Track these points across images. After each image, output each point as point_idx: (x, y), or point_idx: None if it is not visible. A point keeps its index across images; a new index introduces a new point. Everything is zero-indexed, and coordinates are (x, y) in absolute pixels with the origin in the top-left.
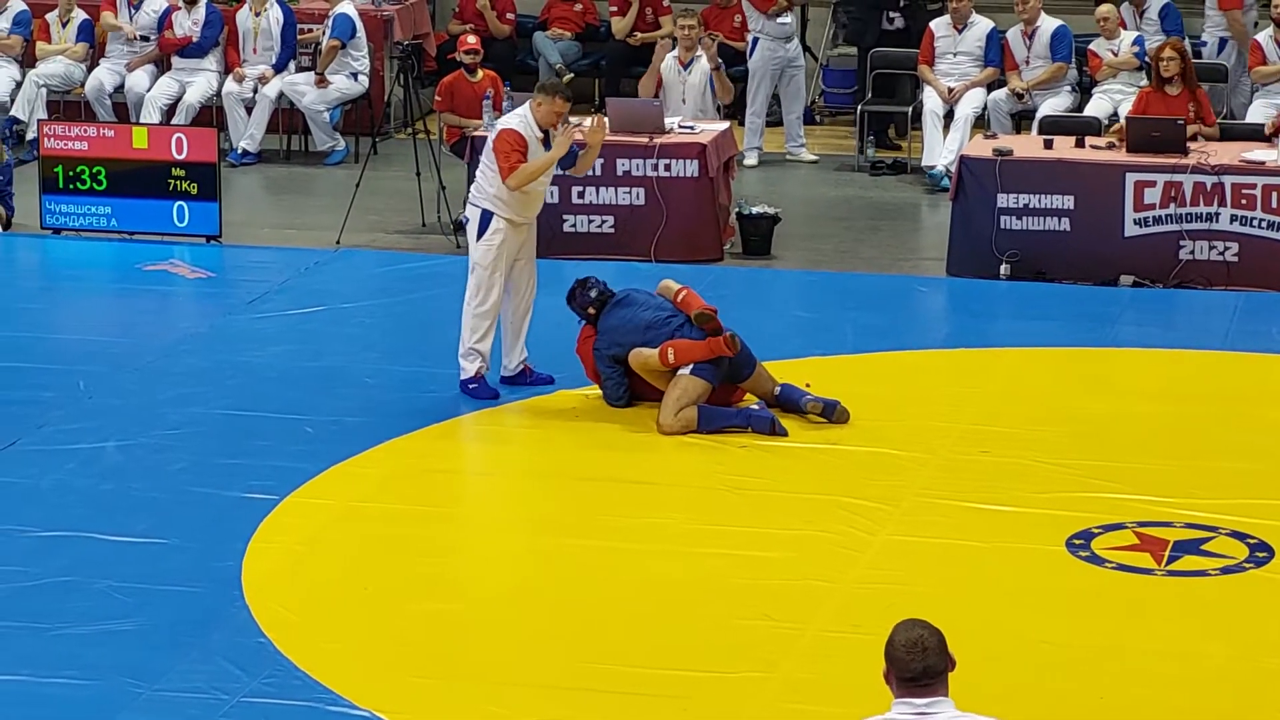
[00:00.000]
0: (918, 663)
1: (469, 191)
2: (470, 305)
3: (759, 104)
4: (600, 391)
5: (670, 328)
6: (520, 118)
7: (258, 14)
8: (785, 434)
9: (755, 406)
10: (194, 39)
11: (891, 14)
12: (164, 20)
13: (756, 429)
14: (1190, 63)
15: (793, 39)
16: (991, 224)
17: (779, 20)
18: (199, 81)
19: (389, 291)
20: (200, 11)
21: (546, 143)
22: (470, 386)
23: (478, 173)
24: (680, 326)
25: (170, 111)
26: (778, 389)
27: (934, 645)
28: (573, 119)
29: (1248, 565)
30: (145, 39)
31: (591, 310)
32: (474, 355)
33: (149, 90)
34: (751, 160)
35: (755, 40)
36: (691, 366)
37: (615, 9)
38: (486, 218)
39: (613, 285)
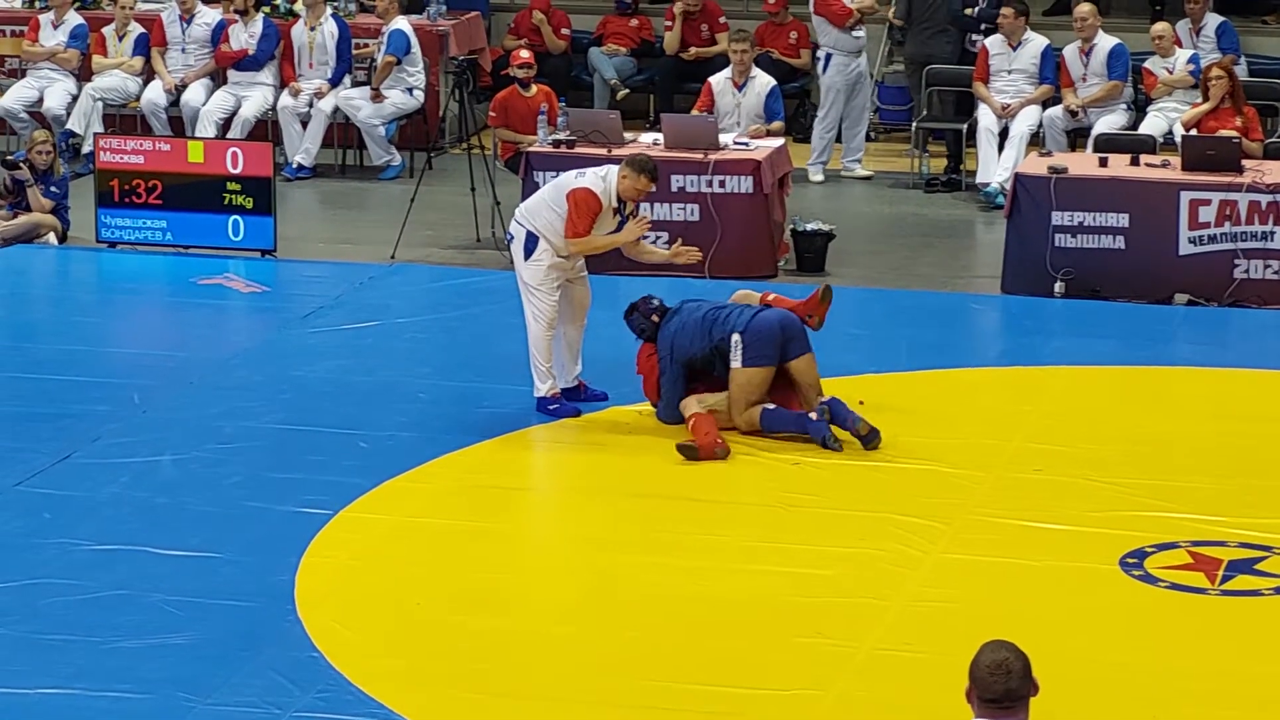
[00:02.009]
0: (1000, 684)
1: (518, 209)
2: (533, 325)
3: (830, 119)
4: (654, 409)
5: (727, 320)
6: (603, 182)
7: (313, 28)
8: (839, 449)
9: (813, 416)
10: (250, 52)
11: (974, 36)
12: (219, 34)
13: (813, 436)
14: (1238, 82)
15: (862, 52)
16: (1046, 242)
17: (853, 34)
18: (255, 95)
19: (443, 306)
20: (257, 25)
21: (619, 212)
22: (550, 407)
23: (537, 196)
24: (734, 317)
25: (226, 125)
26: (824, 401)
27: (1018, 669)
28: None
29: None
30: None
31: (648, 327)
32: (546, 375)
33: (204, 104)
34: (818, 176)
35: (829, 56)
36: (743, 359)
37: (670, 24)
38: (533, 240)
39: (667, 302)
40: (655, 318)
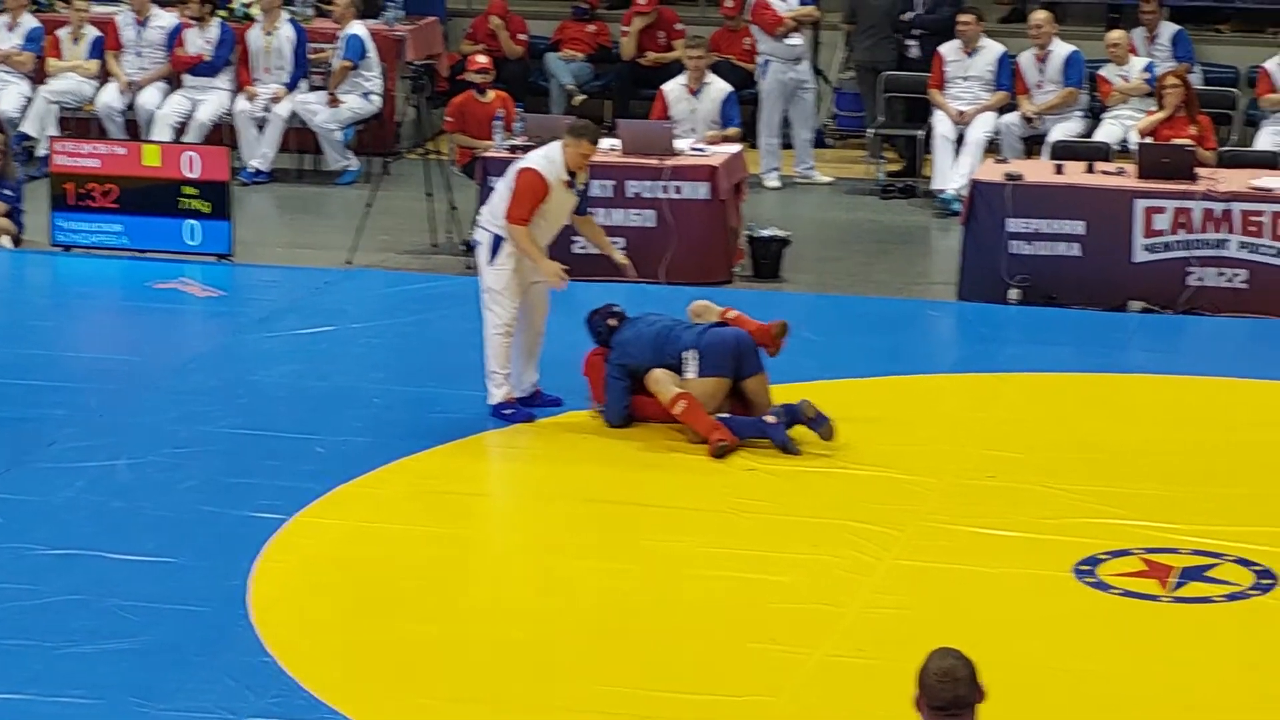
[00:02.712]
0: (948, 691)
1: (479, 213)
2: (490, 329)
3: (773, 126)
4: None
5: (679, 339)
6: (547, 159)
7: (269, 33)
8: (798, 453)
9: (770, 420)
10: (206, 58)
11: (908, 41)
12: (174, 37)
13: (774, 440)
14: (1193, 90)
15: (802, 60)
16: (1002, 248)
17: (786, 42)
18: (210, 100)
19: (399, 312)
20: (213, 30)
21: (572, 184)
22: (505, 413)
23: (495, 197)
24: (687, 335)
25: (181, 129)
26: (774, 410)
27: (965, 676)
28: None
29: (1253, 592)
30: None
31: (604, 330)
32: (500, 380)
33: (160, 108)
34: (774, 182)
35: (766, 62)
36: (699, 370)
37: (627, 30)
38: (498, 242)
39: (623, 307)
40: (612, 322)
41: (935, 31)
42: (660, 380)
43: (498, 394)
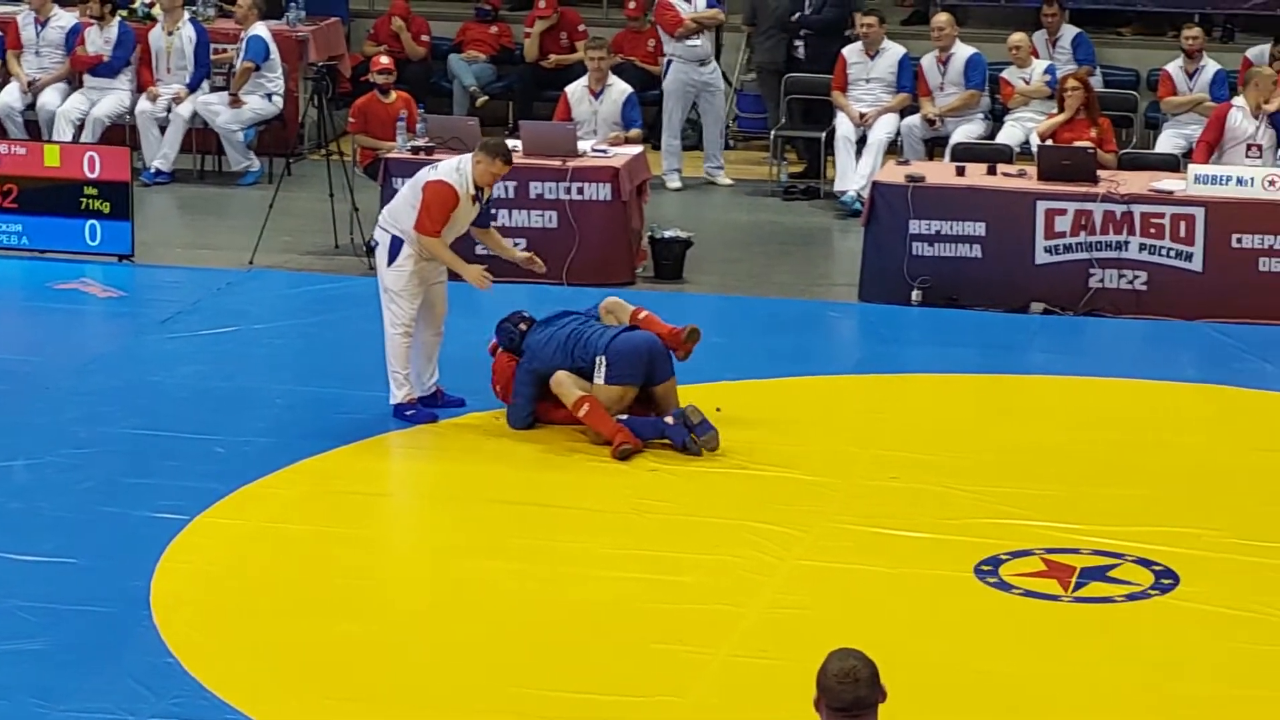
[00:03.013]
0: (848, 693)
1: (381, 214)
2: (390, 331)
3: (674, 126)
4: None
5: (590, 344)
6: (459, 171)
7: (170, 33)
8: (698, 453)
9: (669, 420)
10: (105, 58)
11: (795, 42)
12: (74, 37)
13: (674, 440)
14: (1093, 93)
15: (708, 62)
16: (904, 250)
17: (688, 43)
18: (109, 98)
19: (301, 312)
20: (112, 30)
21: (479, 198)
22: (407, 413)
23: (398, 198)
24: (596, 338)
25: (82, 129)
26: (675, 411)
27: (866, 676)
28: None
29: (1153, 592)
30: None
31: (516, 335)
32: (402, 381)
33: (60, 108)
34: (674, 183)
35: (670, 62)
36: (606, 377)
37: (529, 32)
38: (397, 244)
39: (524, 307)
40: (523, 326)
41: (820, 32)
42: (564, 383)
43: (399, 394)
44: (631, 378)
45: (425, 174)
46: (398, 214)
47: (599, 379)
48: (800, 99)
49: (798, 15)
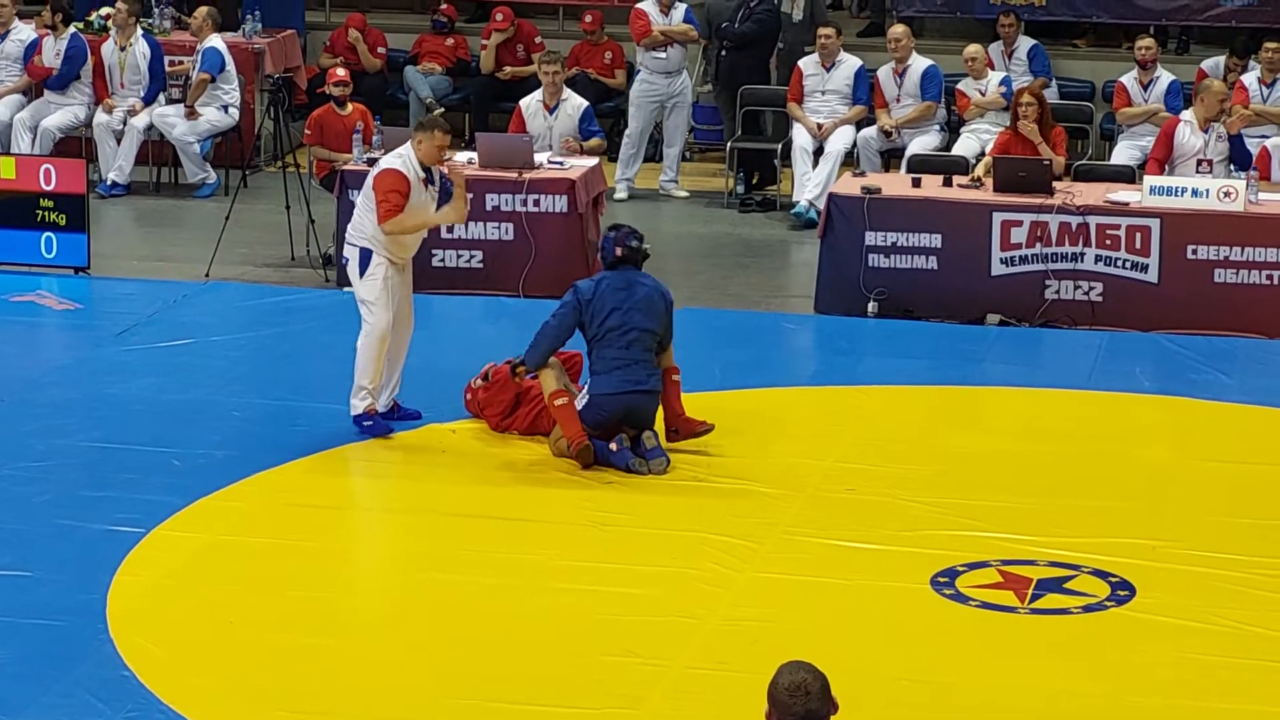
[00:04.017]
0: (800, 706)
1: (341, 228)
2: (366, 340)
3: (632, 134)
4: (468, 425)
5: (611, 331)
6: (401, 157)
7: (123, 48)
8: (645, 472)
9: (613, 447)
10: (55, 70)
11: (723, 52)
12: (33, 48)
13: (616, 465)
14: (1047, 105)
15: (678, 73)
16: (859, 262)
17: (654, 54)
18: (62, 111)
19: (257, 325)
20: (64, 42)
21: (430, 180)
22: (365, 424)
23: (356, 211)
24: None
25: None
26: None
27: (817, 690)
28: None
29: (1109, 604)
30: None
31: (613, 260)
32: (367, 394)
33: (16, 119)
34: (621, 194)
35: (637, 71)
36: (581, 404)
37: (486, 44)
38: (366, 255)
39: (480, 319)
40: (620, 251)
41: (740, 45)
42: (550, 370)
43: (360, 405)
44: (592, 423)
45: (370, 175)
46: (360, 226)
47: (579, 400)
48: (757, 111)
49: (725, 25)
